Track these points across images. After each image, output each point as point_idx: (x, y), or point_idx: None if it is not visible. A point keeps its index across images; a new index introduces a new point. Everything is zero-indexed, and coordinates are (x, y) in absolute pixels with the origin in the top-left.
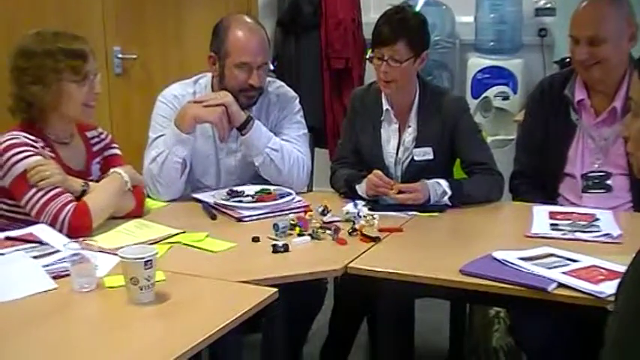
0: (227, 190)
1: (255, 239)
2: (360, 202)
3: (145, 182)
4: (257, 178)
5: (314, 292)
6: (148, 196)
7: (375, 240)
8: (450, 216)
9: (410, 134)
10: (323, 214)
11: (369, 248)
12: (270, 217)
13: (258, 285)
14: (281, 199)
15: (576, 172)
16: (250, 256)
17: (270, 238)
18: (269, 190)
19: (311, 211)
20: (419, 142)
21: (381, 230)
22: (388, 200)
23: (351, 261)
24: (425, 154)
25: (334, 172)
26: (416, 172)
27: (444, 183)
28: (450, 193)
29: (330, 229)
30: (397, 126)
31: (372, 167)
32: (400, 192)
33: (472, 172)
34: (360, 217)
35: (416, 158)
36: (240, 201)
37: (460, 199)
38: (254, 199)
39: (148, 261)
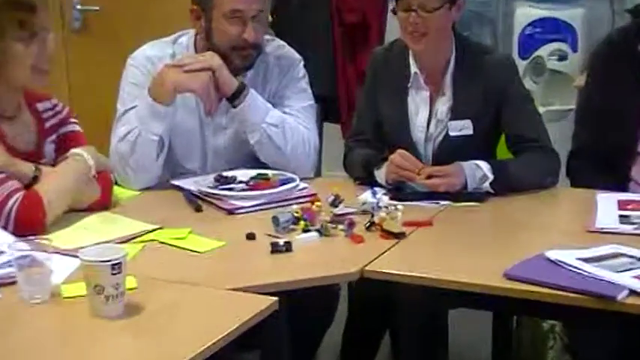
0: (215, 175)
1: (250, 236)
2: (380, 190)
3: (112, 166)
4: (252, 161)
5: (323, 302)
6: (116, 184)
7: (399, 236)
8: (491, 206)
9: (444, 104)
10: (334, 204)
11: (391, 247)
12: (269, 208)
13: (253, 293)
14: (282, 187)
15: None
16: (244, 257)
17: (269, 235)
18: (267, 175)
19: (319, 201)
20: (455, 114)
21: (405, 224)
22: (415, 187)
23: (369, 263)
24: (462, 128)
25: (349, 152)
26: (451, 150)
27: (484, 165)
28: (491, 177)
29: (342, 223)
30: (428, 94)
31: (395, 146)
32: (430, 177)
33: (521, 150)
34: (380, 208)
35: (451, 134)
36: (232, 189)
37: (505, 185)
38: (248, 187)
39: (115, 264)
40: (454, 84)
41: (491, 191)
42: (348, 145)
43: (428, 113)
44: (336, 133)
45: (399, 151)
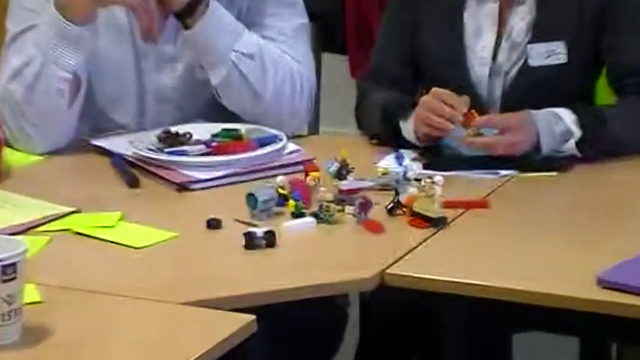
0: (158, 132)
1: (213, 224)
2: (409, 154)
3: None
4: (214, 110)
5: (324, 323)
6: (7, 145)
7: (437, 223)
8: (577, 177)
9: (522, 18)
10: (339, 175)
11: (426, 239)
12: (241, 182)
13: (220, 310)
14: (260, 150)
15: None
16: (205, 255)
17: (242, 222)
18: (238, 132)
19: (317, 170)
20: (540, 33)
21: (447, 205)
22: (460, 149)
23: (393, 263)
24: (551, 53)
25: (363, 96)
26: (530, 91)
27: (567, 116)
28: (579, 134)
29: (352, 203)
30: (497, 4)
31: (441, 88)
32: (478, 135)
33: (627, 91)
34: (409, 180)
35: (533, 63)
36: (184, 153)
37: (599, 146)
38: (209, 150)
39: (7, 265)
40: None
41: (578, 155)
42: (363, 86)
43: (495, 35)
44: (342, 69)
45: (435, 90)
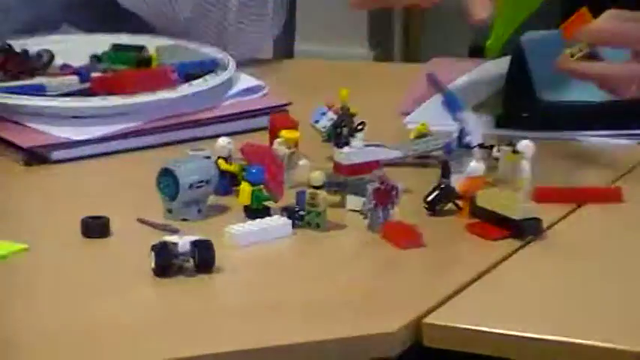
0: None
1: (95, 227)
2: (472, 91)
3: None
4: (95, 9)
5: None
6: None
7: (524, 231)
8: None
9: None
10: (337, 137)
11: (498, 263)
12: (147, 147)
13: None
14: (186, 85)
15: None
16: (79, 288)
17: (149, 225)
18: (142, 50)
19: (294, 126)
20: None
21: (540, 198)
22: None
23: (437, 307)
24: None
25: None
26: None
27: None
28: None
29: (360, 191)
30: None
31: None
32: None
33: None
34: (469, 147)
35: None
36: (39, 90)
37: None
38: (87, 85)
39: None
40: None
41: None
42: None
43: None
44: None
45: None
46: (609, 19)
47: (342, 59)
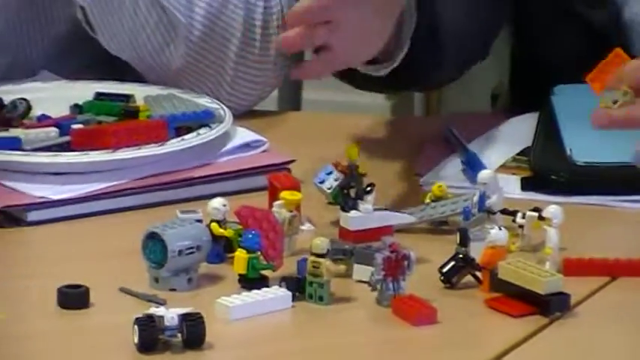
0: None
1: (74, 298)
2: (496, 150)
3: None
4: (80, 56)
5: None
6: None
7: (550, 308)
8: None
9: None
10: (345, 198)
11: (521, 342)
12: (132, 208)
13: None
14: (177, 140)
15: None
16: None
17: (132, 295)
18: (129, 100)
19: (297, 187)
20: None
21: (569, 271)
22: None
23: None
24: None
25: None
26: None
27: None
28: None
29: (369, 260)
30: None
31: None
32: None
33: None
34: (491, 213)
35: None
36: (13, 143)
37: None
38: (67, 138)
39: None
40: None
41: None
42: None
43: None
44: None
45: None
46: None
47: (357, 109)
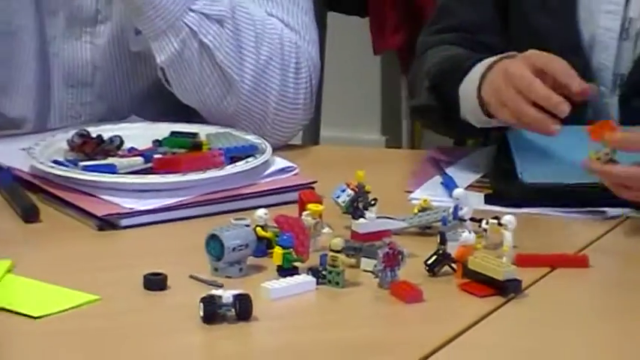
0: (71, 134)
1: (155, 282)
2: (467, 176)
3: None
4: (159, 104)
5: None
6: None
7: (506, 290)
8: None
9: None
10: (354, 210)
11: (486, 315)
12: (198, 216)
13: None
14: (231, 166)
15: None
16: (141, 332)
17: (199, 281)
18: (195, 137)
19: (319, 201)
20: None
21: (521, 263)
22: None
23: (435, 351)
24: None
25: (421, 55)
26: None
27: None
28: None
29: (373, 255)
30: None
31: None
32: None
33: None
34: (463, 220)
35: None
36: (110, 168)
37: None
38: (150, 164)
39: None
40: None
41: None
42: (423, 42)
43: None
44: (358, 39)
45: (530, 52)
46: (634, 132)
47: (358, 143)
